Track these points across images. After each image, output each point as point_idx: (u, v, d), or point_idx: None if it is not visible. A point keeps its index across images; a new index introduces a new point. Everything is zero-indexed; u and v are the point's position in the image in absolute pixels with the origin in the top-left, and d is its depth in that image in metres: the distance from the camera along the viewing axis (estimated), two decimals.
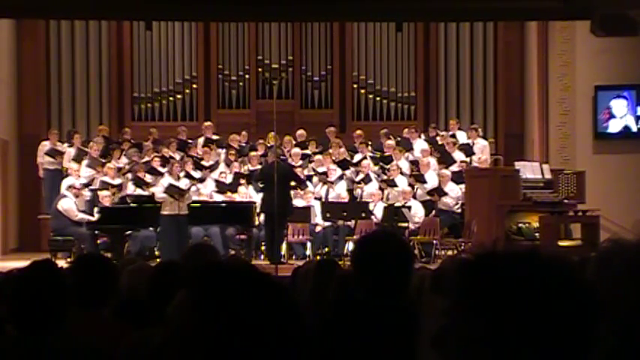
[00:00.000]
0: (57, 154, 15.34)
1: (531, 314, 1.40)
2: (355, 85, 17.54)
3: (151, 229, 13.55)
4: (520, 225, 12.81)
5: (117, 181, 14.24)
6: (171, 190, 13.26)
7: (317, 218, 13.92)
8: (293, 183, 13.67)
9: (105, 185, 14.04)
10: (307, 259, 13.04)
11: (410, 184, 14.35)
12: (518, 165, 13.48)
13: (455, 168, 14.70)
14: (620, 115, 14.67)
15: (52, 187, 14.97)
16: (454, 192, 14.09)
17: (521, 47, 17.21)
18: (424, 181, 14.37)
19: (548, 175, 13.28)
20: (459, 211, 13.97)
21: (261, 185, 13.64)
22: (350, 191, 14.44)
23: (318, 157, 15.04)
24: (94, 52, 17.22)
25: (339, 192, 14.35)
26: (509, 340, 1.39)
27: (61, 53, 17.14)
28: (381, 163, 15.06)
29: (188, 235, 13.20)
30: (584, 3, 11.61)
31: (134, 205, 13.69)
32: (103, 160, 14.71)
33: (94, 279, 3.51)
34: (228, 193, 14.20)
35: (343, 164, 14.80)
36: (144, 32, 17.22)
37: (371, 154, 15.30)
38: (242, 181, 14.33)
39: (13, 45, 16.64)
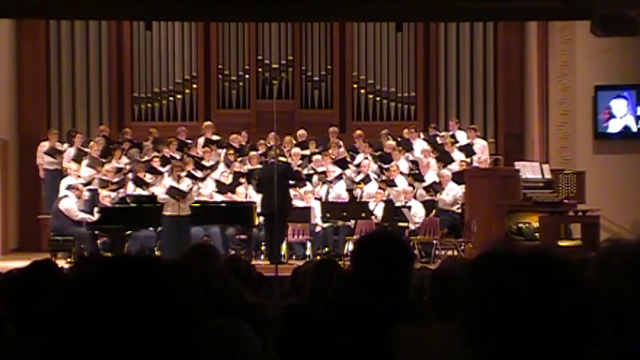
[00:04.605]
0: (56, 153, 15.35)
1: (533, 314, 1.41)
2: (355, 85, 17.54)
3: (151, 229, 13.56)
4: (520, 225, 12.80)
5: (116, 180, 14.27)
6: (173, 192, 13.27)
7: (317, 218, 13.92)
8: (292, 182, 13.66)
9: (104, 183, 14.06)
10: (307, 259, 13.04)
11: (410, 184, 14.36)
12: (518, 165, 13.47)
13: (455, 168, 14.70)
14: (620, 115, 14.67)
15: (52, 187, 14.97)
16: (454, 192, 14.09)
17: (521, 47, 17.21)
18: (423, 181, 14.38)
19: (548, 175, 13.27)
20: (459, 211, 13.96)
21: (256, 184, 13.62)
22: (350, 191, 14.44)
23: (317, 157, 15.04)
24: (94, 52, 17.23)
25: (339, 192, 14.35)
26: (511, 337, 1.41)
27: (61, 53, 17.14)
28: (379, 163, 15.05)
29: (189, 235, 13.20)
30: (584, 3, 11.61)
31: (134, 205, 13.69)
32: (103, 160, 14.72)
33: None
34: (229, 194, 14.20)
35: (342, 164, 14.80)
36: (144, 32, 17.21)
37: (372, 154, 15.32)
38: (242, 180, 14.33)
39: (13, 45, 16.64)
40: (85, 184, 14.14)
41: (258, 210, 13.54)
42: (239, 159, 15.10)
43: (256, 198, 13.85)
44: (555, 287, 1.43)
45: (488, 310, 1.44)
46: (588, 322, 1.44)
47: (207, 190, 14.23)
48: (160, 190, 13.58)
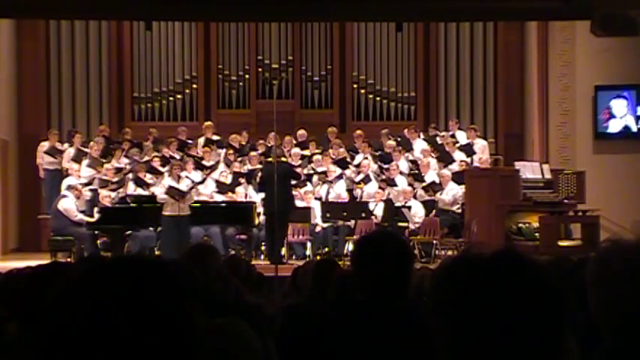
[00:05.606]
0: (56, 153, 15.35)
1: (498, 314, 1.43)
2: (355, 85, 17.54)
3: (151, 229, 13.56)
4: (520, 225, 12.80)
5: (116, 179, 14.28)
6: (172, 191, 13.27)
7: (317, 218, 13.92)
8: (293, 181, 13.67)
9: (104, 183, 14.05)
10: (307, 259, 13.04)
11: (410, 184, 14.36)
12: (518, 165, 13.47)
13: (455, 168, 14.70)
14: (620, 115, 14.68)
15: (52, 187, 14.97)
16: (454, 191, 14.09)
17: (521, 47, 17.20)
18: (423, 181, 14.38)
19: (548, 175, 13.27)
20: (459, 211, 13.96)
21: (259, 183, 13.62)
22: (350, 191, 14.44)
23: (317, 157, 15.05)
24: (94, 52, 17.22)
25: (339, 192, 14.36)
26: (479, 335, 1.42)
27: (61, 53, 17.14)
28: (379, 163, 15.06)
29: (189, 235, 13.20)
30: (584, 3, 11.62)
31: (134, 205, 13.69)
32: (103, 160, 14.72)
33: None
34: (229, 194, 14.20)
35: (342, 164, 14.80)
36: (144, 32, 17.21)
37: (372, 154, 15.31)
38: (241, 180, 14.33)
39: (13, 45, 16.64)
40: (86, 184, 14.14)
41: (259, 210, 13.55)
42: (239, 159, 15.10)
43: (256, 198, 13.85)
44: (521, 287, 1.45)
45: (456, 312, 1.45)
46: (555, 321, 1.45)
47: (207, 190, 14.23)
48: (159, 190, 13.58)
